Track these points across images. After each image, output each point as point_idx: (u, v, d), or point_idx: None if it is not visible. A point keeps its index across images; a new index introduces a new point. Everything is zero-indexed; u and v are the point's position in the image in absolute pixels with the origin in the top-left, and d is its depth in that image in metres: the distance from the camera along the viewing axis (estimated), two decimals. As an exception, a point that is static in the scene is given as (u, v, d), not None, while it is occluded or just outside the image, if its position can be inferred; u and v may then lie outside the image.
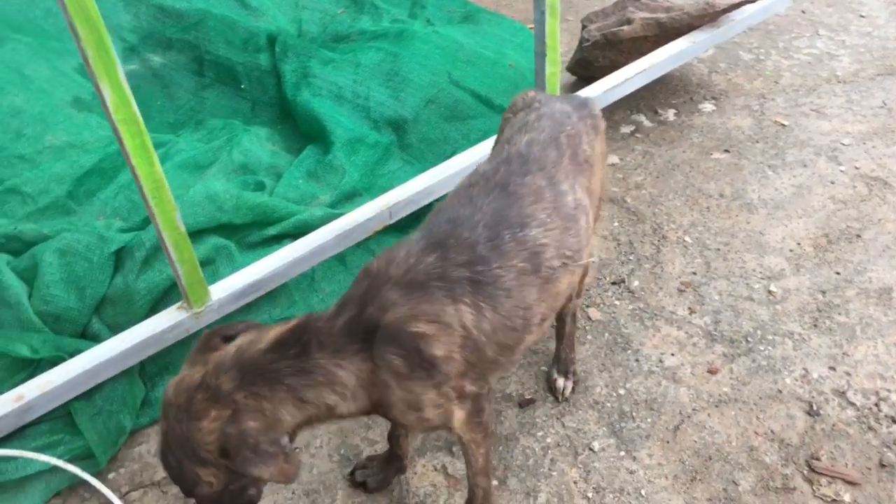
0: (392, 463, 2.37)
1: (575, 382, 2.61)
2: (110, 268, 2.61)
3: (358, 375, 1.69)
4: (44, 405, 2.34)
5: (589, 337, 2.83)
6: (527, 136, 2.02)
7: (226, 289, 2.59)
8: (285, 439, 1.64)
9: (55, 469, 2.38)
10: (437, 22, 4.23)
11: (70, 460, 2.42)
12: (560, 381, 2.59)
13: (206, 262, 2.72)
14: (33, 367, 2.46)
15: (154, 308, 2.64)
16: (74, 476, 2.42)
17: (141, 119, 2.10)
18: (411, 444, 2.37)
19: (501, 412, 2.60)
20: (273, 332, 1.69)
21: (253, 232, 2.88)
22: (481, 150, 3.27)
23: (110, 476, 2.50)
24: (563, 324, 2.58)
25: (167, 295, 2.66)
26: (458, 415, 1.86)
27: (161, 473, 2.49)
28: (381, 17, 4.25)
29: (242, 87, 3.86)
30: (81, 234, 2.60)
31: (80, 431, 2.44)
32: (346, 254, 2.97)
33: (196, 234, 2.74)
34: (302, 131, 3.57)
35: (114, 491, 2.43)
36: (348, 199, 3.16)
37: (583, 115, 2.16)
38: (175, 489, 2.46)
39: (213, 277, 2.68)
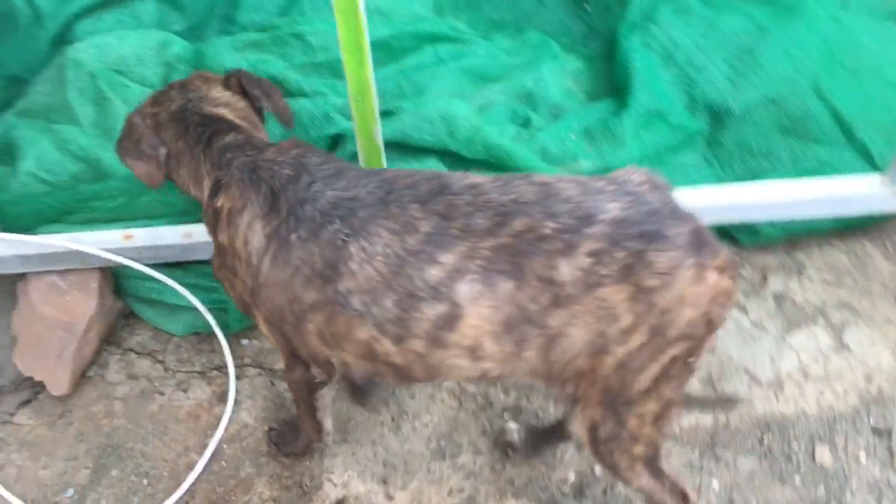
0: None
1: None
2: (323, 148, 2.49)
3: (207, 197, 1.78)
4: (205, 251, 2.35)
5: (796, 479, 2.13)
6: (491, 183, 1.59)
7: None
8: (163, 150, 1.82)
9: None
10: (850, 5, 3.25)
11: (216, 310, 2.47)
12: None
13: (414, 183, 2.47)
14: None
15: (349, 204, 2.49)
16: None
17: (363, 13, 1.85)
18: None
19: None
20: (226, 112, 1.85)
21: (479, 171, 2.55)
22: (807, 189, 2.55)
23: (243, 342, 2.52)
24: None
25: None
26: (265, 328, 1.82)
27: (280, 364, 2.45)
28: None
29: (586, 5, 3.40)
30: (312, 105, 2.49)
31: (235, 288, 2.45)
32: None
33: (416, 151, 2.49)
34: (615, 80, 3.05)
35: (235, 358, 2.45)
36: (613, 177, 2.65)
37: (641, 249, 1.39)
38: (282, 387, 2.41)
39: (414, 202, 2.44)
